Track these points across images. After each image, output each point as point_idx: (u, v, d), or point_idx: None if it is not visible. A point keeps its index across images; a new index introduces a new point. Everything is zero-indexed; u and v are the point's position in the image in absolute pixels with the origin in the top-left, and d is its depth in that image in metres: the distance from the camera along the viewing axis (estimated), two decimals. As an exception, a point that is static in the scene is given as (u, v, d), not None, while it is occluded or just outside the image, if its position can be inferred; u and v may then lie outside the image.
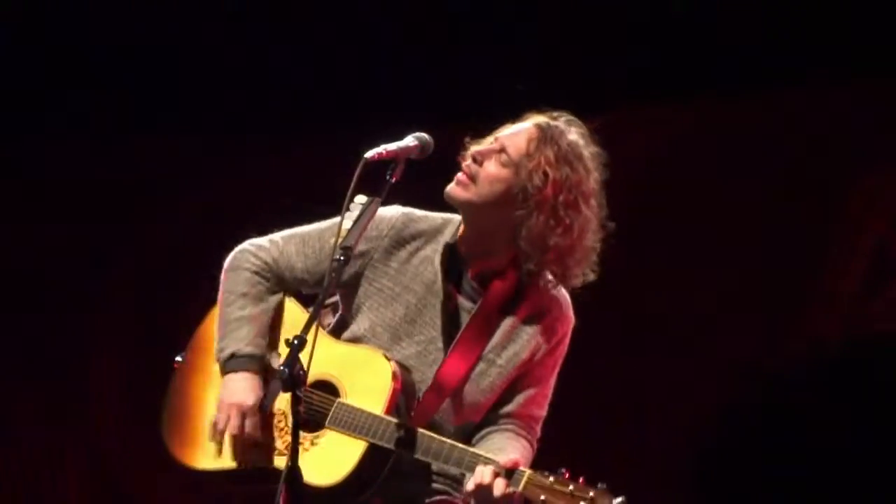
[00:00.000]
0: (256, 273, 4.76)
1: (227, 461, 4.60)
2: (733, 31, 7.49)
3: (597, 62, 7.61)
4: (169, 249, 8.49)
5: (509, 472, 4.29)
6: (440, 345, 4.61)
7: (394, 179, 4.56)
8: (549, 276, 4.61)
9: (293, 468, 4.21)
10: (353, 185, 4.43)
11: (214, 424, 4.56)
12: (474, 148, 4.63)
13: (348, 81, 7.89)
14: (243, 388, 4.59)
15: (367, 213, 4.54)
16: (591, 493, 4.18)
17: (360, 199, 4.65)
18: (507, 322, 4.61)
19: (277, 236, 4.82)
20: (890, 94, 7.41)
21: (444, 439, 4.42)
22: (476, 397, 4.60)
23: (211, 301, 4.94)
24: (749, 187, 7.62)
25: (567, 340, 4.66)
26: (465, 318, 4.62)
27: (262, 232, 4.93)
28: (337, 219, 4.69)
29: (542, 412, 4.65)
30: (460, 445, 4.42)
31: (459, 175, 4.62)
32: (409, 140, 4.60)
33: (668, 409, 7.69)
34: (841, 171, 7.50)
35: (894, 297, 7.44)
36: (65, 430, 8.48)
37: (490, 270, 4.64)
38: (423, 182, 4.63)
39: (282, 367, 4.20)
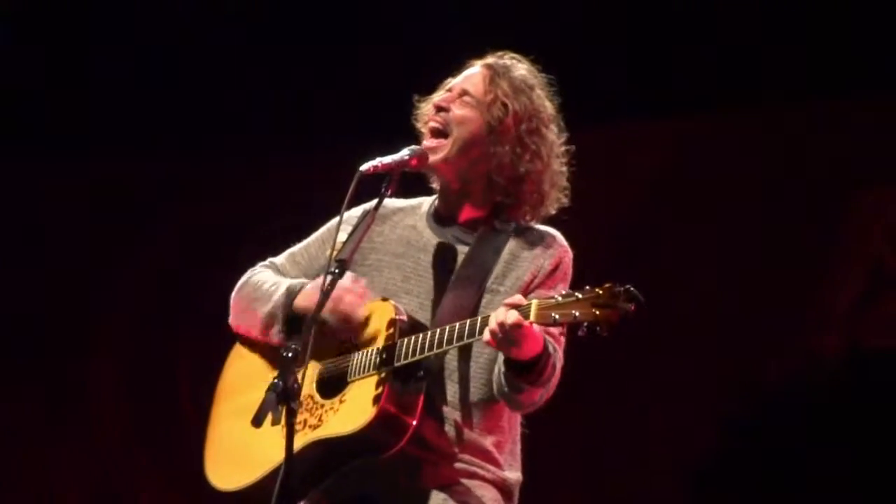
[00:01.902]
0: (272, 274, 4.81)
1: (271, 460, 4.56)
2: (735, 46, 7.49)
3: (600, 75, 7.63)
4: (170, 253, 8.50)
5: (517, 308, 4.27)
6: (441, 290, 4.62)
7: (389, 192, 4.58)
8: (530, 214, 4.66)
9: (287, 472, 4.21)
10: (348, 198, 4.46)
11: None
12: (435, 100, 4.67)
13: (347, 94, 7.92)
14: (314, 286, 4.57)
15: (362, 226, 4.57)
16: (599, 291, 4.16)
17: (356, 211, 4.67)
18: (504, 256, 4.62)
19: (273, 258, 4.86)
20: (890, 109, 7.41)
21: (454, 323, 4.41)
22: None
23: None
24: (748, 201, 7.62)
25: (567, 268, 4.64)
26: (459, 260, 4.64)
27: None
28: (324, 227, 4.77)
29: (560, 336, 4.55)
30: (471, 318, 4.40)
31: (432, 126, 4.65)
32: (405, 153, 4.62)
33: (664, 423, 7.68)
34: (840, 187, 7.50)
35: (890, 312, 7.44)
36: (64, 432, 8.50)
37: (473, 219, 4.67)
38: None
39: (276, 381, 4.21)
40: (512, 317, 4.24)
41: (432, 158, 4.63)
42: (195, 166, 8.43)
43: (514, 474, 4.64)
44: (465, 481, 4.55)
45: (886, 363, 7.37)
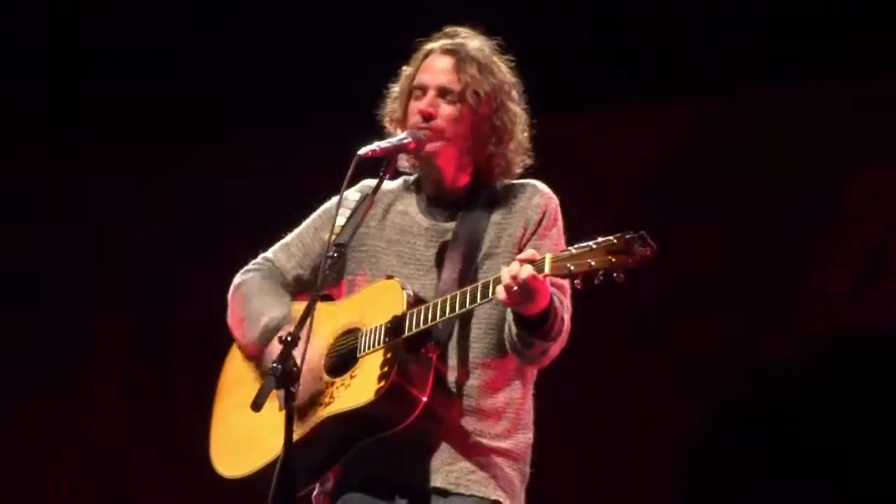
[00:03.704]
0: (265, 278, 4.81)
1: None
2: (731, 30, 7.49)
3: (599, 61, 7.63)
4: (166, 250, 8.49)
5: (531, 263, 4.29)
6: (438, 267, 4.64)
7: (387, 176, 4.61)
8: (501, 176, 4.71)
9: (287, 459, 4.21)
10: (346, 181, 4.48)
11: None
12: (415, 106, 4.67)
13: (346, 81, 7.90)
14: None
15: (360, 210, 4.58)
16: (614, 239, 4.18)
17: (354, 195, 4.67)
18: (493, 220, 4.66)
19: (266, 252, 4.87)
20: (886, 94, 7.42)
21: (464, 289, 4.44)
22: None
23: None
24: (743, 185, 7.62)
25: (555, 213, 4.67)
26: (450, 235, 4.67)
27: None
28: (316, 214, 4.78)
29: (565, 285, 4.57)
30: (481, 282, 4.43)
31: (426, 135, 4.65)
32: (403, 136, 4.63)
33: (657, 407, 7.69)
34: (837, 171, 7.51)
35: (886, 294, 7.44)
36: (61, 431, 8.49)
37: (459, 194, 4.70)
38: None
39: (274, 364, 4.22)
40: (526, 271, 4.27)
41: (432, 151, 4.65)
42: (191, 167, 8.44)
43: (525, 436, 4.66)
44: (477, 456, 4.57)
45: (879, 345, 7.38)
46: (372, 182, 4.71)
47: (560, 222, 4.69)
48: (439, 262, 4.64)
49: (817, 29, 7.35)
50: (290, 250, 4.81)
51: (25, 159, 8.44)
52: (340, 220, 4.57)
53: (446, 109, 4.65)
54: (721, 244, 7.62)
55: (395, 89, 4.77)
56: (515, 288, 4.28)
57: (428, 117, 4.65)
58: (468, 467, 4.56)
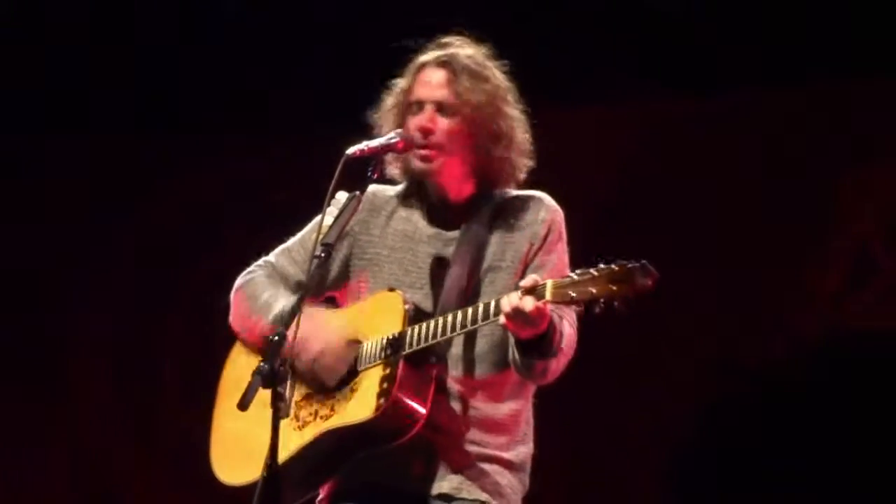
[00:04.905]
0: (268, 277, 4.81)
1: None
2: (720, 27, 7.50)
3: (593, 55, 7.63)
4: (150, 248, 8.48)
5: (532, 290, 4.31)
6: (441, 277, 4.64)
7: (375, 176, 4.62)
8: (505, 184, 4.71)
9: (272, 463, 4.21)
10: (334, 181, 4.48)
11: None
12: (415, 123, 4.66)
13: (330, 80, 7.91)
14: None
15: (348, 210, 4.56)
16: (616, 267, 4.21)
17: (342, 195, 4.67)
18: (498, 232, 4.66)
19: (268, 255, 4.86)
20: (878, 94, 7.42)
21: (465, 308, 4.45)
22: None
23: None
24: (732, 182, 7.62)
25: (560, 228, 4.68)
26: (454, 245, 4.67)
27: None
28: (317, 219, 4.74)
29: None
30: (482, 302, 4.44)
31: (423, 154, 4.65)
32: (392, 136, 4.64)
33: (647, 406, 7.69)
34: (827, 170, 7.50)
35: (876, 296, 7.45)
36: (48, 431, 8.48)
37: (462, 202, 4.70)
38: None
39: (261, 364, 4.21)
40: (528, 304, 4.29)
41: (433, 169, 4.66)
42: (174, 166, 8.43)
43: (526, 447, 4.68)
44: (479, 465, 4.58)
45: (869, 345, 7.38)
46: (379, 188, 4.75)
47: (564, 236, 4.70)
48: (442, 271, 4.64)
49: (811, 28, 7.35)
50: (291, 255, 4.81)
51: (17, 158, 8.45)
52: (328, 220, 4.55)
53: (444, 124, 4.65)
54: (711, 243, 7.61)
55: (389, 101, 4.76)
56: (518, 319, 4.31)
57: (427, 133, 4.65)
58: (469, 475, 4.57)
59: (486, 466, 4.59)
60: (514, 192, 4.74)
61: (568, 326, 4.52)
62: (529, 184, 4.77)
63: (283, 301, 4.71)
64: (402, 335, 4.50)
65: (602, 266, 4.24)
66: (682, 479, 7.71)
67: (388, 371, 4.48)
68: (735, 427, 7.58)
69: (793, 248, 7.53)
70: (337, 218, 4.55)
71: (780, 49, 7.47)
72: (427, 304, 4.60)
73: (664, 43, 7.59)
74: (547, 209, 4.69)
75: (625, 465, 7.75)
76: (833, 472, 7.39)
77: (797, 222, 7.54)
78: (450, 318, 4.46)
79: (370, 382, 4.51)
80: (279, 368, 4.22)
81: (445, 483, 4.55)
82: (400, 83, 4.76)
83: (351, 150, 4.54)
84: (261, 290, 4.76)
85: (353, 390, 4.54)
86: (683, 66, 7.62)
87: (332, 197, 4.56)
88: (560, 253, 4.66)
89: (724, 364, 7.60)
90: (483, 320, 4.42)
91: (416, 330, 4.49)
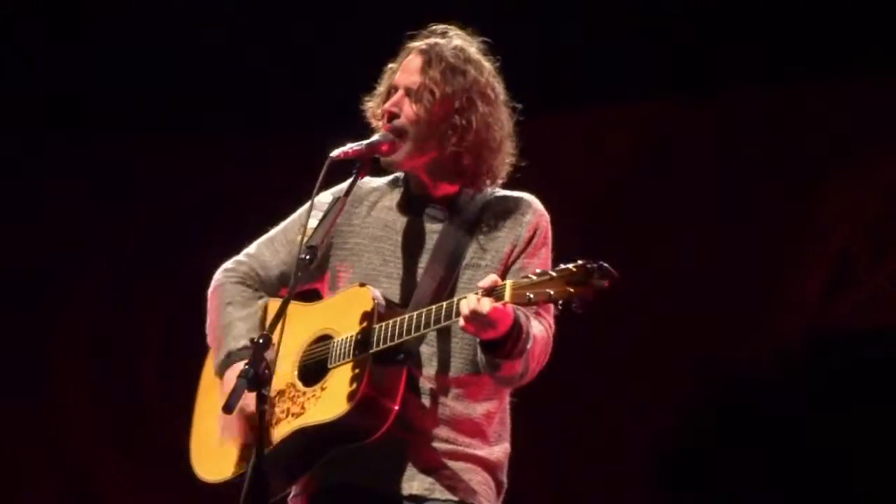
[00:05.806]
0: (240, 282, 4.79)
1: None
2: (709, 30, 7.51)
3: (585, 58, 7.64)
4: (133, 248, 8.47)
5: (491, 291, 4.29)
6: (419, 269, 4.63)
7: (359, 178, 4.60)
8: (486, 181, 4.68)
9: (259, 462, 4.21)
10: (318, 183, 4.48)
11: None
12: (385, 106, 4.67)
13: (323, 81, 7.91)
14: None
15: (332, 212, 4.55)
16: (573, 268, 4.19)
17: (326, 197, 4.66)
18: (479, 229, 4.64)
19: (249, 247, 4.85)
20: (860, 98, 7.44)
21: (430, 307, 4.43)
22: None
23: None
24: (717, 186, 7.64)
25: (545, 233, 4.66)
26: (435, 238, 4.65)
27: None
28: (300, 210, 4.75)
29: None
30: (446, 301, 4.42)
31: (383, 135, 4.65)
32: (376, 138, 4.64)
33: (630, 409, 7.71)
34: (808, 174, 7.53)
35: (856, 299, 7.47)
36: (29, 429, 8.45)
37: (445, 195, 4.69)
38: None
39: (246, 367, 4.21)
40: (485, 306, 4.27)
41: (396, 159, 4.64)
42: (159, 167, 8.41)
43: (501, 446, 4.65)
44: (451, 463, 4.57)
45: (852, 348, 7.41)
46: (374, 180, 4.75)
47: (550, 241, 4.67)
48: (420, 263, 4.63)
49: (798, 30, 7.37)
50: (274, 246, 4.80)
51: (17, 158, 8.44)
52: (313, 223, 4.55)
53: (407, 109, 4.64)
54: (695, 246, 7.63)
55: (380, 87, 4.76)
56: (475, 321, 4.29)
57: (391, 116, 4.65)
58: (443, 475, 4.55)
59: (460, 465, 4.57)
60: (503, 193, 4.72)
61: (539, 327, 4.50)
62: (522, 186, 4.76)
63: (231, 343, 4.65)
64: (369, 333, 4.49)
65: (560, 267, 4.23)
66: (666, 480, 7.73)
67: (356, 370, 4.47)
68: (718, 428, 7.60)
69: (776, 251, 7.55)
70: (322, 220, 4.54)
71: (758, 51, 7.49)
72: (404, 297, 4.59)
73: (647, 46, 7.61)
74: (533, 212, 4.67)
75: (611, 466, 7.76)
76: (815, 474, 7.41)
77: (780, 226, 7.56)
78: (415, 316, 4.45)
79: (340, 380, 4.50)
80: (263, 371, 4.22)
81: (416, 483, 4.54)
82: (391, 68, 4.76)
83: (335, 153, 4.54)
84: (226, 306, 4.74)
85: (323, 388, 4.53)
86: (663, 69, 7.64)
87: (316, 195, 4.55)
88: (544, 258, 4.64)
89: (708, 366, 7.61)
90: (445, 320, 4.40)
91: (383, 328, 4.48)
